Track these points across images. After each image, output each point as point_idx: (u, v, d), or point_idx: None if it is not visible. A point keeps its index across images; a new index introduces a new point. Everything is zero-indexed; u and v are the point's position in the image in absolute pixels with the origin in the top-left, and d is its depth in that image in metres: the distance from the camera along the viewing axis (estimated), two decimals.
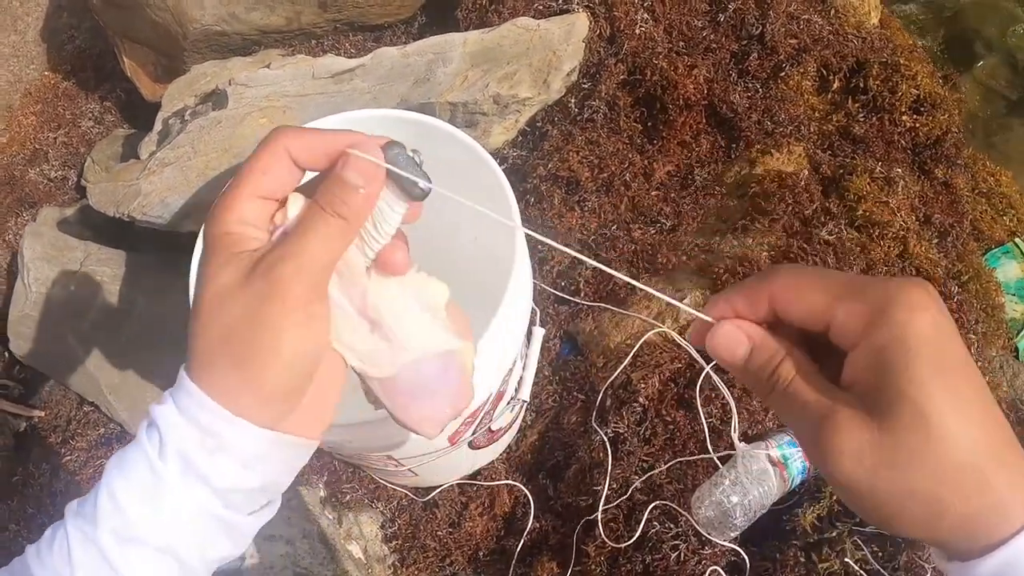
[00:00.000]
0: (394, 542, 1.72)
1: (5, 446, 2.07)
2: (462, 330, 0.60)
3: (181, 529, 0.53)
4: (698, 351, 1.60)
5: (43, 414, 2.09)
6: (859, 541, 1.43)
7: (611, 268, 1.69)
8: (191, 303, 0.55)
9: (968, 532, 0.45)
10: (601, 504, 1.54)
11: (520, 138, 1.87)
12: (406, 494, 1.73)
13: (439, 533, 1.69)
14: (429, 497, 1.71)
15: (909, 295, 0.46)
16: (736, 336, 0.52)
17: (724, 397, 1.56)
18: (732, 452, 1.49)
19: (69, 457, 1.99)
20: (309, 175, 0.57)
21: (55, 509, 1.96)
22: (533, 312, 1.63)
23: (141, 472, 0.53)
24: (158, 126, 1.93)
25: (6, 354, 2.17)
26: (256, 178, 0.54)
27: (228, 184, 0.55)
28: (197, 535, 0.54)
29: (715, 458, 1.53)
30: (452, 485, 1.72)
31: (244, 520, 0.56)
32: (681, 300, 1.67)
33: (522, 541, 1.64)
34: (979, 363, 1.68)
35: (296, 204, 0.55)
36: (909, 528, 0.47)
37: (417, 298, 0.58)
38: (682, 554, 1.48)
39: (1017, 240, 2.13)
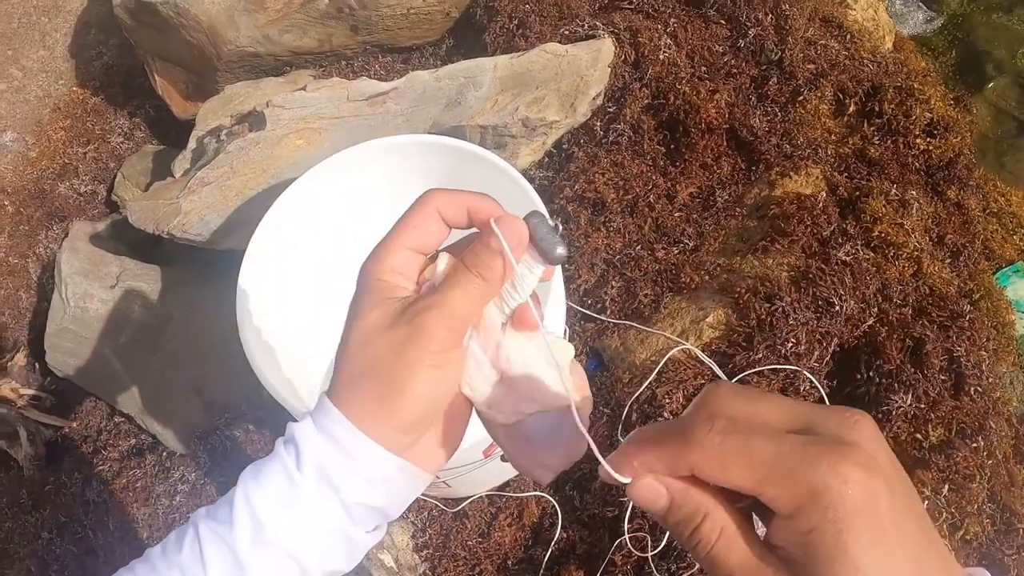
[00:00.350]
0: (425, 551, 1.77)
1: (37, 456, 2.11)
2: (581, 386, 0.64)
3: (309, 536, 0.59)
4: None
5: (75, 425, 2.14)
6: None
7: (636, 287, 1.75)
8: (340, 338, 0.61)
9: None
10: (627, 515, 1.59)
11: (547, 159, 1.92)
12: (437, 504, 1.78)
13: (469, 543, 1.74)
14: (459, 508, 1.76)
15: (840, 471, 0.43)
16: (654, 489, 0.49)
17: None
18: None
19: (101, 467, 2.04)
20: (457, 233, 0.64)
21: (87, 518, 2.01)
22: (565, 331, 1.68)
23: (278, 481, 0.58)
24: (192, 144, 1.99)
25: (36, 366, 2.22)
26: (408, 232, 0.60)
27: (384, 236, 0.61)
28: (321, 544, 0.59)
29: None
30: (482, 496, 1.77)
31: (362, 537, 0.62)
32: (704, 319, 1.72)
33: (550, 550, 1.69)
34: (989, 379, 1.72)
35: (444, 262, 0.61)
36: None
37: (544, 355, 0.62)
38: None
39: None
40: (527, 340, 0.62)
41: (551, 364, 0.61)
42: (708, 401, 0.49)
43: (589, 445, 0.57)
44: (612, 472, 0.51)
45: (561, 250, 0.59)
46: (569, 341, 1.68)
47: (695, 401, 0.50)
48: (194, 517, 0.61)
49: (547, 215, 0.61)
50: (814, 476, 0.43)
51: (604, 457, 0.52)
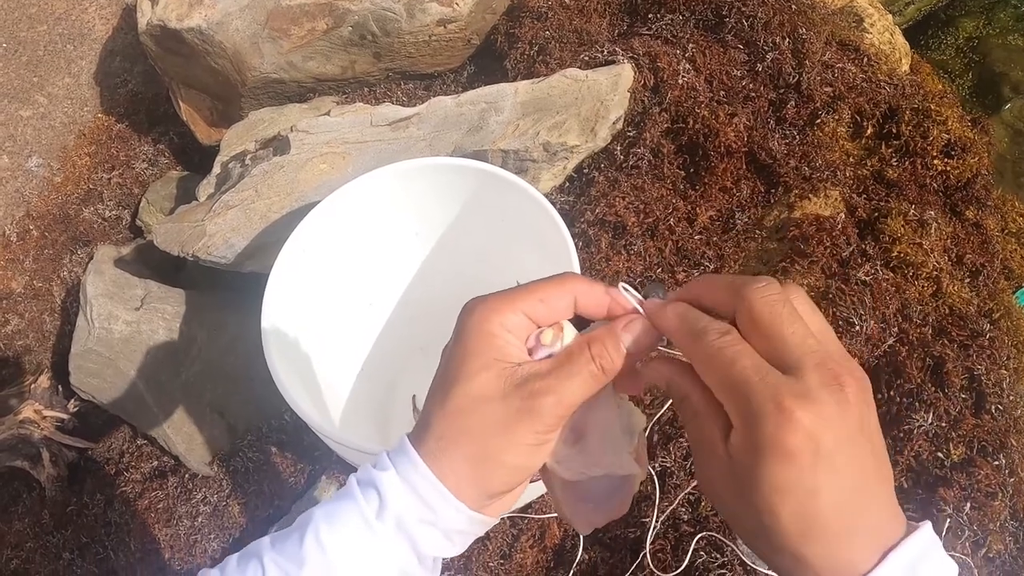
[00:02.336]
0: (447, 573, 1.77)
1: (59, 477, 2.13)
2: (642, 457, 0.66)
3: None
4: None
5: (97, 446, 2.16)
6: None
7: None
8: (433, 381, 0.62)
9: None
10: (650, 536, 1.60)
11: (567, 184, 1.94)
12: None
13: (491, 564, 1.74)
14: None
15: (781, 434, 0.52)
16: (661, 371, 0.62)
17: None
18: None
19: (124, 488, 2.06)
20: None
21: (109, 539, 2.02)
22: None
23: (354, 526, 0.58)
24: (216, 169, 2.02)
25: (59, 388, 2.25)
26: (532, 300, 0.61)
27: (503, 290, 0.62)
28: None
29: None
30: (503, 517, 1.77)
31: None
32: None
33: (572, 572, 1.69)
34: (1009, 397, 1.73)
35: (570, 335, 0.62)
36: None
37: (620, 422, 0.64)
38: None
39: None
40: (607, 405, 0.64)
41: (625, 431, 0.65)
42: (760, 291, 0.57)
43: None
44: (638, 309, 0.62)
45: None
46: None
47: (762, 277, 0.59)
48: (257, 548, 0.61)
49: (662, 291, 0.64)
50: (757, 420, 0.52)
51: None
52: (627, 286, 0.63)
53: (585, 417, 0.62)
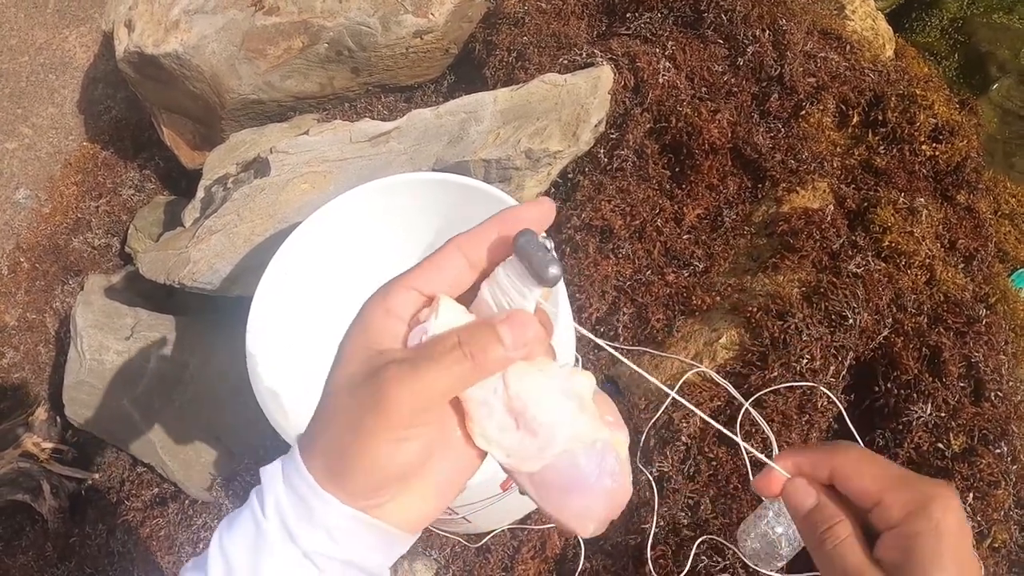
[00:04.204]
0: None
1: (61, 509, 2.13)
2: (612, 419, 0.57)
3: None
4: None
5: (97, 476, 2.15)
6: None
7: (648, 312, 1.74)
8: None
9: None
10: (650, 541, 1.58)
11: (552, 190, 1.93)
12: (459, 540, 1.77)
13: None
14: (482, 543, 1.76)
15: (946, 496, 0.57)
16: (807, 490, 0.63)
17: (764, 432, 1.60)
18: None
19: (125, 517, 2.05)
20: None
21: (112, 569, 2.01)
22: (576, 360, 1.68)
23: (247, 526, 0.55)
24: (200, 193, 2.01)
25: (58, 419, 2.24)
26: (427, 271, 0.55)
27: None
28: None
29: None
30: (504, 529, 1.76)
31: None
32: (717, 340, 1.71)
33: None
34: (1009, 383, 1.71)
35: (447, 313, 0.54)
36: None
37: (561, 389, 0.55)
38: None
39: None
40: (539, 374, 0.55)
41: (571, 397, 0.56)
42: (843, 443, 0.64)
43: (742, 449, 0.60)
44: (775, 465, 0.64)
45: (555, 269, 0.53)
46: (585, 370, 1.68)
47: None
48: (183, 569, 0.59)
49: (540, 236, 0.54)
50: (927, 490, 0.58)
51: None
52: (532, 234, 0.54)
53: (511, 392, 0.54)
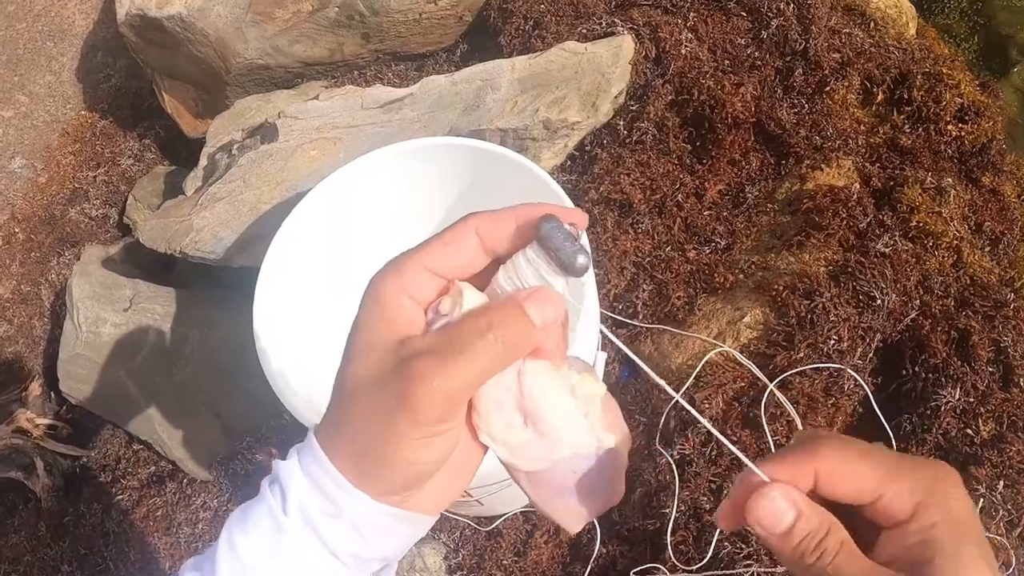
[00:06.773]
0: (458, 573, 1.71)
1: (55, 487, 2.07)
2: (616, 425, 0.57)
3: None
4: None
5: (93, 454, 2.10)
6: None
7: (669, 289, 1.69)
8: (340, 360, 0.53)
9: None
10: (670, 527, 1.53)
11: (569, 162, 1.87)
12: (469, 524, 1.72)
13: (504, 562, 1.67)
14: (493, 526, 1.70)
15: (948, 476, 0.51)
16: (781, 504, 0.52)
17: (789, 414, 1.55)
18: None
19: (120, 496, 1.99)
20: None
21: (108, 549, 1.96)
22: (599, 344, 1.62)
23: (263, 523, 0.52)
24: (203, 161, 1.94)
25: (52, 394, 2.18)
26: (436, 249, 0.51)
27: (407, 250, 0.52)
28: None
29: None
30: (516, 513, 1.70)
31: None
32: (740, 319, 1.66)
33: (589, 567, 1.62)
34: None
35: (471, 300, 0.51)
36: None
37: (572, 393, 0.54)
38: (755, 574, 1.46)
39: None
40: (551, 373, 0.54)
41: (580, 403, 0.55)
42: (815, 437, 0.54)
43: (743, 460, 0.54)
44: (753, 468, 0.53)
45: (583, 259, 0.50)
46: (602, 351, 1.63)
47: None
48: (182, 568, 0.55)
49: (566, 223, 0.51)
50: (927, 473, 0.51)
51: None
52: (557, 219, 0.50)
53: (523, 389, 0.53)
